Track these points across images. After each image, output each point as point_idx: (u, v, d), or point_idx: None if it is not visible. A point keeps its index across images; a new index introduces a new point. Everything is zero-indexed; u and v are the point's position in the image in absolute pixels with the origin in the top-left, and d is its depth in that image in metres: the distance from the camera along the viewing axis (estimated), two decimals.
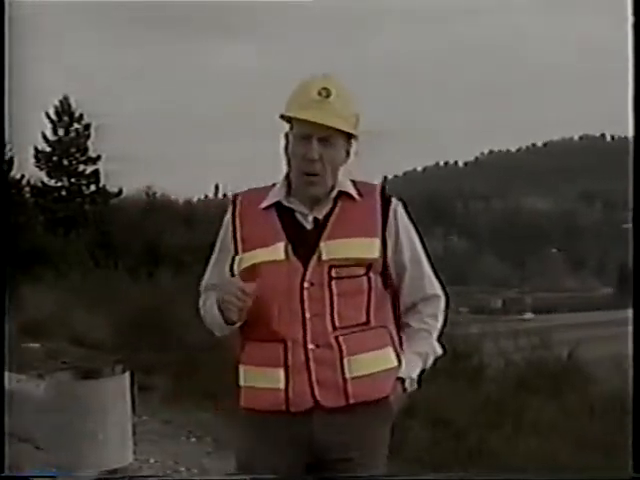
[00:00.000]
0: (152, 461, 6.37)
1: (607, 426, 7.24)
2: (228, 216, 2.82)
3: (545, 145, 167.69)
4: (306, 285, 2.66)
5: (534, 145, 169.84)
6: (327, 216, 2.73)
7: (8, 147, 20.72)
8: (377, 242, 2.71)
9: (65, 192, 27.04)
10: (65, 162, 27.22)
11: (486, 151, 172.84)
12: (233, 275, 2.75)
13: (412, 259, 2.79)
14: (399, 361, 2.75)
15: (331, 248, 2.67)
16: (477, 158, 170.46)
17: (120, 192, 27.45)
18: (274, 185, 2.80)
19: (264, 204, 2.76)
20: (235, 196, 2.86)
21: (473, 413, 7.35)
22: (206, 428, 7.74)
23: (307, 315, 2.65)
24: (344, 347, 2.66)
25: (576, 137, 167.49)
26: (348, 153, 2.75)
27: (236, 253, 2.75)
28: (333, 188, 2.73)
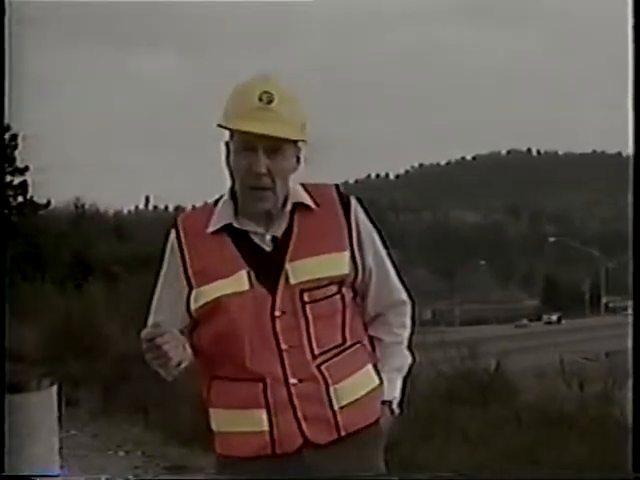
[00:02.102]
0: None
1: (533, 435, 7.35)
2: (172, 245, 2.50)
3: (474, 159, 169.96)
4: (277, 314, 2.40)
5: (463, 159, 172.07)
6: (286, 233, 2.45)
7: None
8: (346, 256, 2.47)
9: None
10: None
11: (416, 164, 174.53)
12: (190, 313, 2.45)
13: (377, 263, 2.55)
14: (380, 379, 2.55)
15: (298, 269, 2.41)
16: (407, 171, 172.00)
17: (48, 203, 27.03)
18: (216, 202, 2.51)
19: (211, 228, 2.46)
20: (175, 221, 2.52)
21: (404, 423, 7.40)
22: (135, 442, 7.65)
23: (283, 347, 2.40)
24: (328, 376, 2.44)
25: (504, 152, 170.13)
26: (298, 159, 2.48)
27: (190, 288, 2.44)
28: (286, 200, 2.46)
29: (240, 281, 2.41)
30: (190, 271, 2.45)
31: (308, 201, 2.49)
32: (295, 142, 2.46)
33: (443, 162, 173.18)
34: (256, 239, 2.45)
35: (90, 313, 12.01)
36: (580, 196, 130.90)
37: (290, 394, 2.41)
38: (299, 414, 2.41)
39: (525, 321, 60.73)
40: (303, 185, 2.53)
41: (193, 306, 2.45)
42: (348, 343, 2.50)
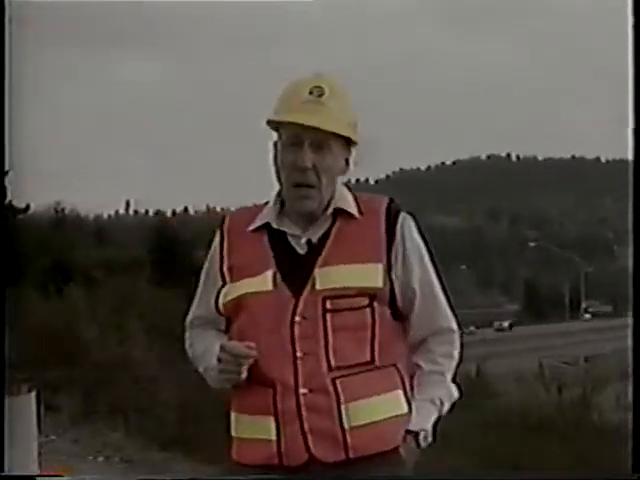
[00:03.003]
0: None
1: (514, 438, 7.40)
2: (216, 241, 2.47)
3: (454, 164, 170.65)
4: (297, 319, 2.30)
5: (443, 164, 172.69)
6: (323, 238, 2.36)
7: None
8: (381, 268, 2.34)
9: None
10: None
11: (397, 169, 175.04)
12: (217, 308, 2.43)
13: (423, 283, 2.41)
14: (409, 407, 2.37)
15: (326, 276, 2.32)
16: (388, 176, 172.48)
17: (28, 208, 26.89)
18: (267, 203, 2.46)
19: (252, 226, 2.41)
20: (224, 217, 2.49)
21: None
22: (115, 448, 7.62)
23: (298, 354, 2.29)
24: (341, 391, 2.29)
25: (483, 156, 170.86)
26: (347, 162, 2.41)
27: (223, 283, 2.41)
28: (329, 204, 2.38)
29: (265, 281, 2.34)
30: (225, 267, 2.42)
31: (352, 208, 2.40)
32: (345, 142, 2.38)
33: (423, 167, 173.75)
34: (292, 241, 2.38)
35: (70, 318, 11.96)
36: (559, 201, 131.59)
37: (299, 404, 2.29)
38: (305, 426, 2.28)
39: (472, 328, 59.77)
40: (353, 193, 2.45)
41: (221, 302, 2.41)
42: (377, 363, 2.34)
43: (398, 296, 2.37)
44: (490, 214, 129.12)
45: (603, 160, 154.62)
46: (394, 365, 2.37)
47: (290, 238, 2.38)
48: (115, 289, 14.57)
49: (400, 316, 2.40)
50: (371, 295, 2.33)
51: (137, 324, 11.52)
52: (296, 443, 2.28)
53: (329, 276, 2.31)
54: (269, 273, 2.34)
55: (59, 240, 23.69)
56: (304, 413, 2.28)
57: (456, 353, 2.46)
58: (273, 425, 2.30)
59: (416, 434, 2.36)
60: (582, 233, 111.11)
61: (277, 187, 2.43)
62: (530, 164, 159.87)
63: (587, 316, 64.41)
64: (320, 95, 2.32)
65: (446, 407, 2.43)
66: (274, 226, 2.39)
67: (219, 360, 2.30)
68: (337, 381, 2.29)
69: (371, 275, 2.33)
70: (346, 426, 2.29)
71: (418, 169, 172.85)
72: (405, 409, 2.36)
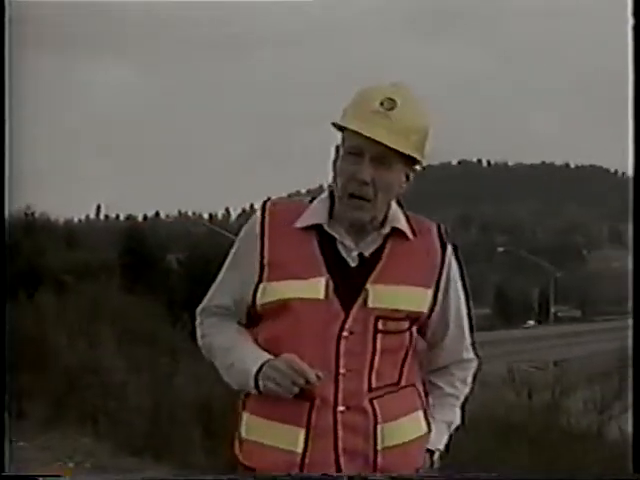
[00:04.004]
0: None
1: (484, 443, 7.43)
2: (253, 228, 2.33)
3: (424, 169, 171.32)
4: (345, 334, 2.24)
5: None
6: (375, 254, 2.31)
7: None
8: (430, 294, 2.33)
9: None
10: None
11: None
12: (254, 305, 2.30)
13: (456, 319, 2.43)
14: (428, 427, 2.39)
15: (379, 294, 2.26)
16: None
17: None
18: (312, 200, 2.36)
19: (300, 223, 2.30)
20: (263, 205, 2.34)
21: None
22: (85, 453, 7.59)
23: (341, 370, 2.24)
24: (379, 412, 2.28)
25: (454, 162, 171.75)
26: (408, 178, 2.36)
27: (260, 279, 2.28)
28: (385, 221, 2.32)
29: (317, 288, 2.25)
30: (265, 260, 2.28)
31: (406, 229, 2.35)
32: (408, 159, 2.31)
33: None
34: (342, 251, 2.30)
35: (40, 323, 11.88)
36: (529, 206, 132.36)
37: (335, 421, 2.25)
38: (339, 444, 2.26)
39: None
40: (404, 211, 2.40)
41: (259, 300, 2.29)
42: (403, 383, 2.35)
43: (431, 326, 2.39)
44: (460, 219, 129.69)
45: (572, 166, 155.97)
46: (413, 385, 2.39)
47: (340, 247, 2.30)
48: (86, 294, 14.49)
49: (417, 337, 2.40)
50: (413, 319, 2.32)
51: (108, 329, 11.47)
52: (326, 458, 2.25)
53: (382, 295, 2.27)
54: (322, 280, 2.26)
55: (29, 244, 23.52)
56: (340, 431, 2.25)
57: (470, 380, 2.52)
58: (302, 438, 2.25)
59: (432, 453, 2.40)
60: (552, 238, 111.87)
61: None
62: (500, 170, 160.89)
63: (531, 322, 65.51)
64: (391, 108, 2.22)
65: (452, 430, 2.49)
66: (326, 228, 2.30)
67: (262, 366, 2.23)
68: (374, 401, 2.28)
69: (421, 300, 2.32)
70: (379, 447, 2.28)
71: None
72: (425, 429, 2.39)
